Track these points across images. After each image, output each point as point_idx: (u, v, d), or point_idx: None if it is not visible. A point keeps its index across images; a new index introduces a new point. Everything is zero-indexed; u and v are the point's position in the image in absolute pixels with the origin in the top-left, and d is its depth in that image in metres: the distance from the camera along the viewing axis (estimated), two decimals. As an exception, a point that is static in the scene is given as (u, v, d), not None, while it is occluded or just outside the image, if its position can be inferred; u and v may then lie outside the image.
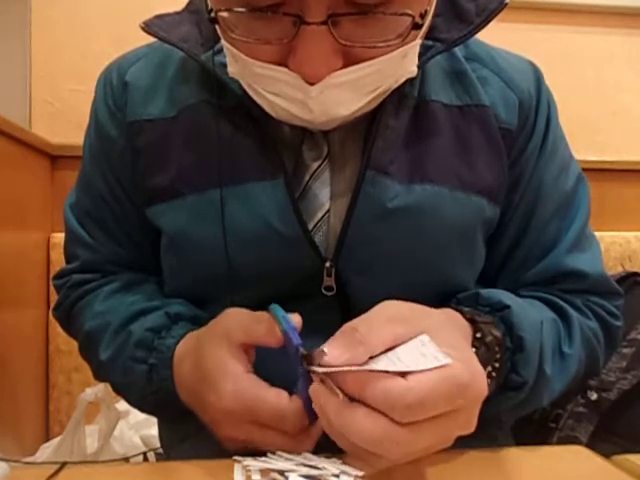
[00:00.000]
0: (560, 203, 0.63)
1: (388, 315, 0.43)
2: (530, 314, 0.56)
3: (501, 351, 0.52)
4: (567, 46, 1.69)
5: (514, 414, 0.57)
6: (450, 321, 0.49)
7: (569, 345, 0.58)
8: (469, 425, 0.42)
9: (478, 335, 0.50)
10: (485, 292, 0.57)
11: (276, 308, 0.49)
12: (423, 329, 0.42)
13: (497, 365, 0.51)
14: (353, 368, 0.39)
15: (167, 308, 0.59)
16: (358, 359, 0.40)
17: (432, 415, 0.38)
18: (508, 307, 0.54)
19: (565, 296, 0.62)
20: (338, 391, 0.40)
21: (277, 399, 0.46)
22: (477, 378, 0.41)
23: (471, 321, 0.51)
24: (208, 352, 0.50)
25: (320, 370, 0.40)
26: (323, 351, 0.41)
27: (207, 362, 0.49)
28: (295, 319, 0.48)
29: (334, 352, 0.40)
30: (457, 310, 0.52)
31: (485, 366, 0.50)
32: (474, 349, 0.49)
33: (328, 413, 0.40)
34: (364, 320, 0.42)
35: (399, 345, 0.42)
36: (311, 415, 0.46)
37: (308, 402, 0.45)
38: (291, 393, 0.47)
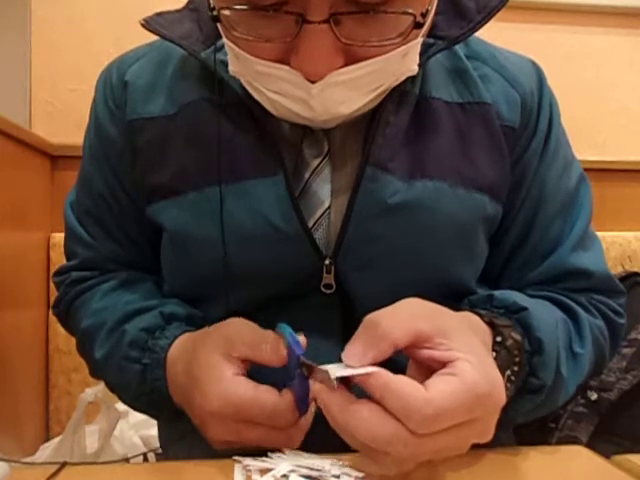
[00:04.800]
0: (563, 202, 0.63)
1: (411, 311, 0.43)
2: (545, 315, 0.55)
3: (520, 354, 0.51)
4: (567, 46, 1.70)
5: (530, 417, 0.56)
6: (469, 325, 0.48)
7: (580, 345, 0.58)
8: (486, 434, 0.42)
9: (498, 339, 0.50)
10: (499, 294, 0.56)
11: (283, 327, 0.49)
12: (445, 328, 0.42)
13: (516, 369, 0.51)
14: (362, 370, 0.39)
15: (162, 308, 0.59)
16: (383, 355, 0.40)
17: (449, 426, 0.38)
18: (525, 309, 0.53)
19: (571, 295, 0.61)
20: (339, 388, 0.40)
21: (267, 395, 0.46)
22: (496, 387, 0.41)
23: (490, 324, 0.51)
24: (200, 355, 0.50)
25: (332, 366, 0.40)
26: (328, 374, 0.40)
27: (198, 365, 0.49)
28: (301, 339, 0.48)
29: (358, 351, 0.40)
30: (474, 313, 0.52)
31: (505, 370, 0.50)
32: (494, 353, 0.49)
33: (333, 411, 0.40)
34: (387, 314, 0.42)
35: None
36: (301, 409, 0.46)
37: (300, 395, 0.46)
38: (279, 389, 0.47)
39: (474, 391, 0.39)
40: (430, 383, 0.39)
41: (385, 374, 0.39)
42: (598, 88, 1.71)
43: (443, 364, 0.40)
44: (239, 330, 0.50)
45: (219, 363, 0.48)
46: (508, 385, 0.50)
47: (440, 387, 0.38)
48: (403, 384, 0.38)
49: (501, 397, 0.41)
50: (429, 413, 0.37)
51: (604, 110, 1.72)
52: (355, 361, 0.40)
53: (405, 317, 0.42)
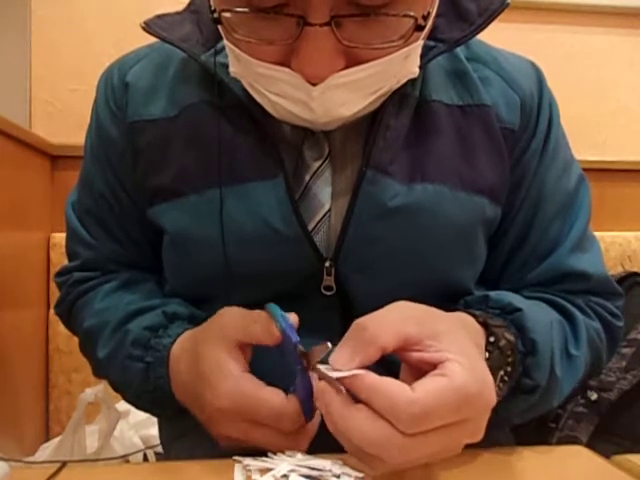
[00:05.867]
0: (562, 204, 0.63)
1: (400, 315, 0.43)
2: (540, 317, 0.55)
3: (514, 355, 0.51)
4: (567, 46, 1.70)
5: (524, 417, 0.56)
6: (463, 326, 0.48)
7: (576, 347, 0.58)
8: (477, 434, 0.42)
9: (492, 339, 0.50)
10: (494, 294, 0.56)
11: (273, 307, 0.49)
12: (435, 332, 0.42)
13: (509, 369, 0.51)
14: (348, 373, 0.39)
15: (164, 307, 0.59)
16: (370, 359, 0.40)
17: (438, 425, 0.38)
18: (519, 310, 0.54)
19: (568, 297, 0.61)
20: (342, 388, 0.40)
21: (274, 398, 0.46)
22: (486, 388, 0.41)
23: (484, 325, 0.51)
24: (205, 351, 0.50)
25: (322, 368, 0.41)
26: (327, 345, 0.41)
27: (204, 361, 0.49)
28: (292, 318, 0.48)
29: (345, 355, 0.41)
30: (469, 313, 0.52)
31: (498, 370, 0.50)
32: (487, 353, 0.49)
33: (331, 414, 0.40)
34: (374, 318, 0.42)
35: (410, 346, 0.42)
36: (307, 414, 0.46)
37: (305, 401, 0.46)
38: (287, 392, 0.47)
39: (463, 391, 0.39)
40: (418, 383, 0.39)
41: (371, 376, 0.39)
42: (598, 88, 1.71)
43: (434, 366, 0.41)
44: (231, 318, 0.51)
45: (225, 360, 0.48)
46: (501, 385, 0.50)
47: (427, 387, 0.38)
48: (390, 385, 0.38)
49: (491, 397, 0.41)
50: (416, 412, 0.37)
51: (604, 110, 1.72)
52: (342, 365, 0.40)
53: (393, 321, 0.42)
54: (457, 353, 0.41)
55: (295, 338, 0.45)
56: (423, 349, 0.41)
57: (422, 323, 0.43)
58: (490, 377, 0.42)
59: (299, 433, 0.47)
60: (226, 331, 0.49)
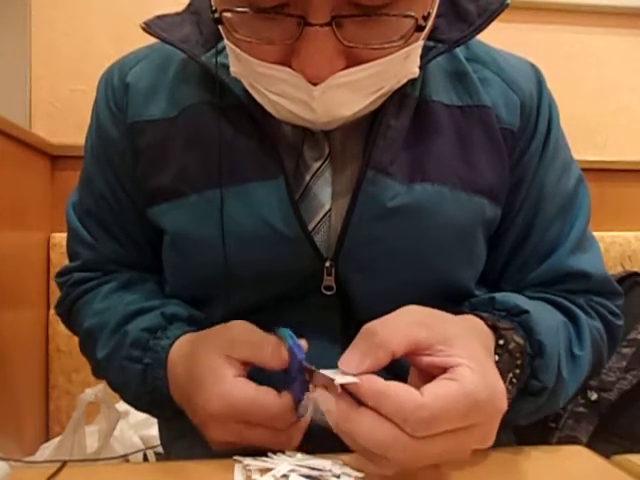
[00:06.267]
0: (562, 204, 0.63)
1: (410, 319, 0.43)
2: (546, 318, 0.55)
3: (522, 357, 0.51)
4: (567, 46, 1.70)
5: (531, 418, 0.57)
6: (473, 330, 0.48)
7: (580, 347, 0.58)
8: (487, 440, 0.42)
9: (501, 342, 0.50)
10: (500, 296, 0.57)
11: (284, 330, 0.49)
12: (445, 336, 0.42)
13: (518, 371, 0.51)
14: (351, 379, 0.39)
15: (163, 308, 0.59)
16: (380, 363, 0.40)
17: (446, 430, 0.38)
18: (526, 312, 0.54)
19: (570, 296, 0.62)
20: (342, 395, 0.40)
21: (267, 397, 0.46)
22: (496, 394, 0.41)
23: (493, 328, 0.51)
24: (201, 356, 0.50)
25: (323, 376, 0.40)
26: (331, 379, 0.40)
27: (199, 365, 0.49)
28: (302, 343, 0.48)
29: (355, 358, 0.41)
30: (477, 316, 0.52)
31: (507, 373, 0.50)
32: (497, 356, 0.49)
33: (336, 418, 0.40)
34: (384, 323, 0.42)
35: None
36: (299, 410, 0.47)
37: (299, 397, 0.46)
38: (278, 390, 0.47)
39: (472, 397, 0.39)
40: (427, 387, 0.39)
41: (378, 381, 0.39)
42: (598, 88, 1.71)
43: (444, 370, 0.41)
44: (241, 332, 0.51)
45: (220, 365, 0.48)
46: (510, 387, 0.50)
47: (436, 391, 0.38)
48: (397, 389, 0.39)
49: (502, 404, 0.41)
50: (424, 416, 0.37)
51: (604, 110, 1.72)
52: (352, 368, 0.40)
53: (403, 326, 0.42)
54: (468, 358, 0.41)
55: (301, 356, 0.46)
56: (433, 353, 0.41)
57: (432, 327, 0.43)
58: (501, 383, 0.42)
59: (292, 429, 0.47)
60: (234, 346, 0.49)
